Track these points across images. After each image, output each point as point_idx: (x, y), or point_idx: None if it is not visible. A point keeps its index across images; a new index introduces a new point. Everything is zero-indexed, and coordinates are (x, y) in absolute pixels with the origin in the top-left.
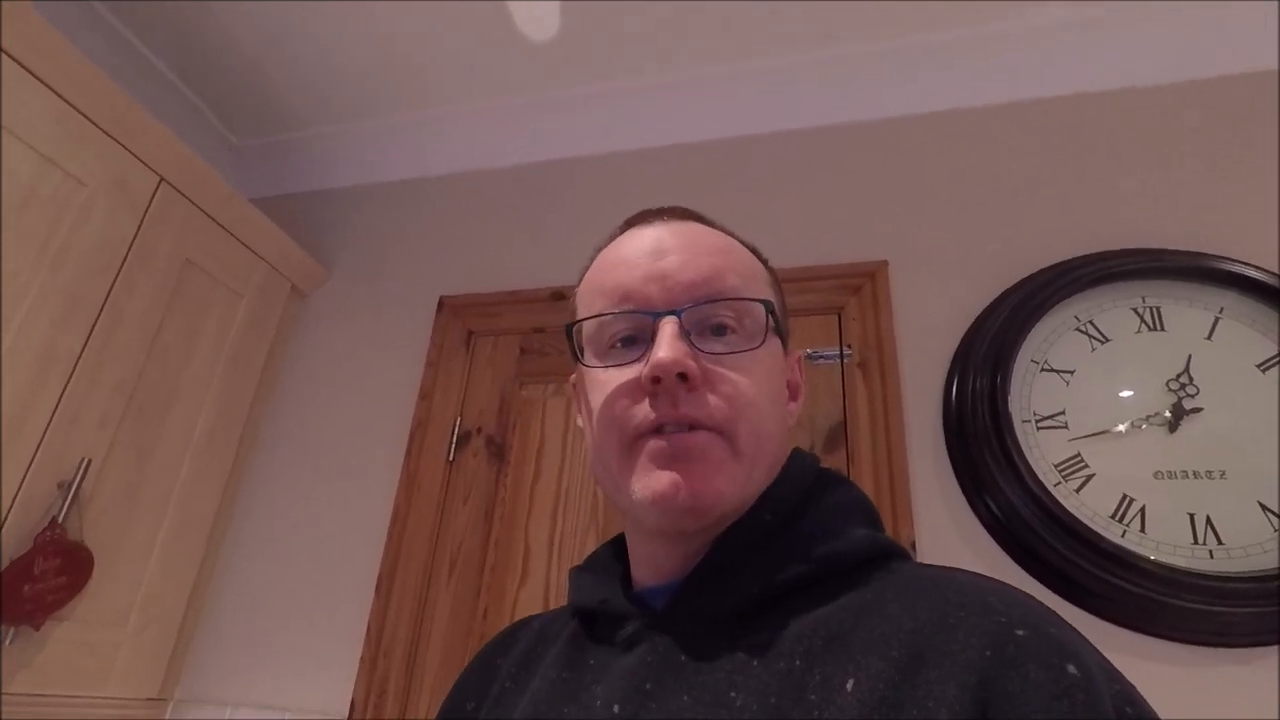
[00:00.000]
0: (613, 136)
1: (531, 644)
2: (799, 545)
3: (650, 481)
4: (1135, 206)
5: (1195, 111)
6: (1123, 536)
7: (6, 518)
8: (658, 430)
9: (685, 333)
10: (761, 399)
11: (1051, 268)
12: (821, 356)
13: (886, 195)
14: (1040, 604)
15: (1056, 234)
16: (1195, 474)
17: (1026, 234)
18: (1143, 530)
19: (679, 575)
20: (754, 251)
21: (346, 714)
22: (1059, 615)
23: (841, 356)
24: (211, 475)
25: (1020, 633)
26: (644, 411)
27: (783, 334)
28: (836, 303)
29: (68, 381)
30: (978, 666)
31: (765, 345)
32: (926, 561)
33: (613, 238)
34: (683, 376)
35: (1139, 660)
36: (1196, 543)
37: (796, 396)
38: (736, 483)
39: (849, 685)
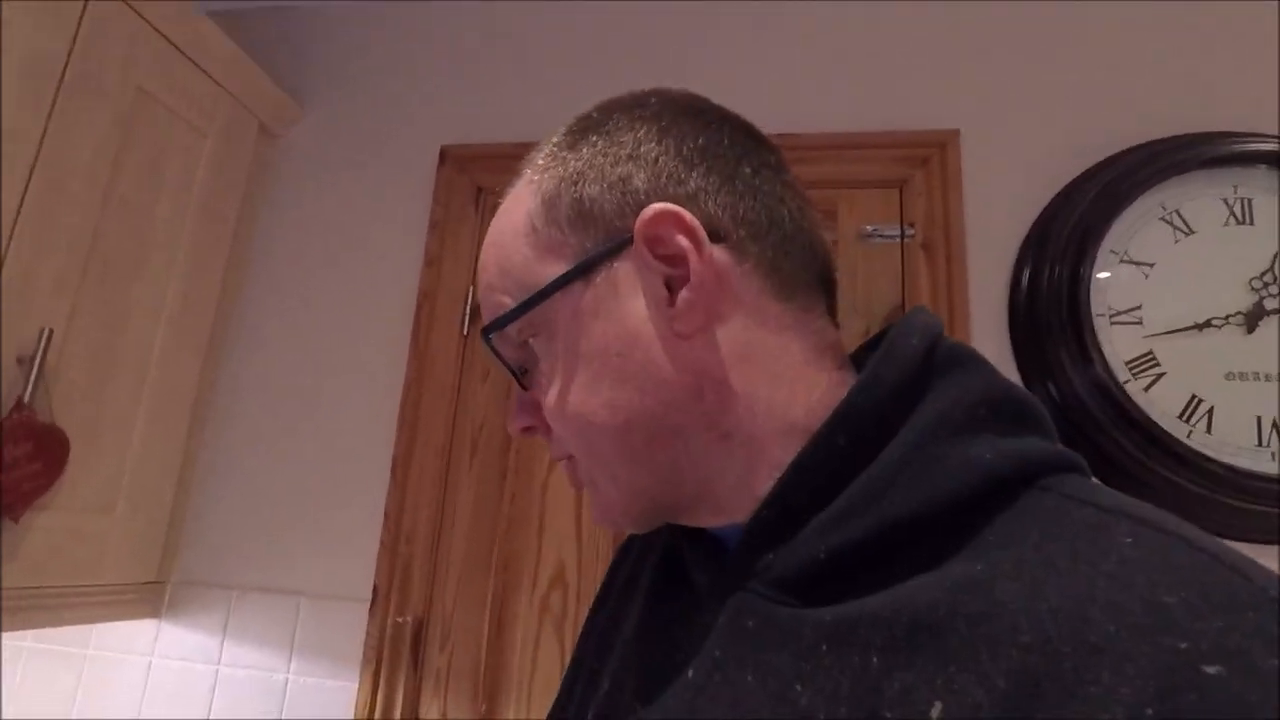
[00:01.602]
0: None
1: (640, 554)
2: (880, 483)
3: None
4: (1235, 85)
5: None
6: (1189, 436)
7: None
8: None
9: (519, 373)
10: (571, 397)
11: (1138, 148)
12: (880, 234)
13: (962, 56)
14: (1260, 590)
15: (1146, 110)
16: (1267, 376)
17: (1113, 108)
18: (1209, 431)
19: (746, 517)
20: (571, 146)
21: (370, 598)
22: None
23: (902, 235)
24: (189, 344)
25: (1211, 670)
26: None
27: (592, 259)
28: (899, 175)
29: (10, 237)
30: None
31: (549, 334)
32: None
33: None
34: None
35: None
36: (1260, 445)
37: (683, 276)
38: (619, 486)
39: (934, 712)
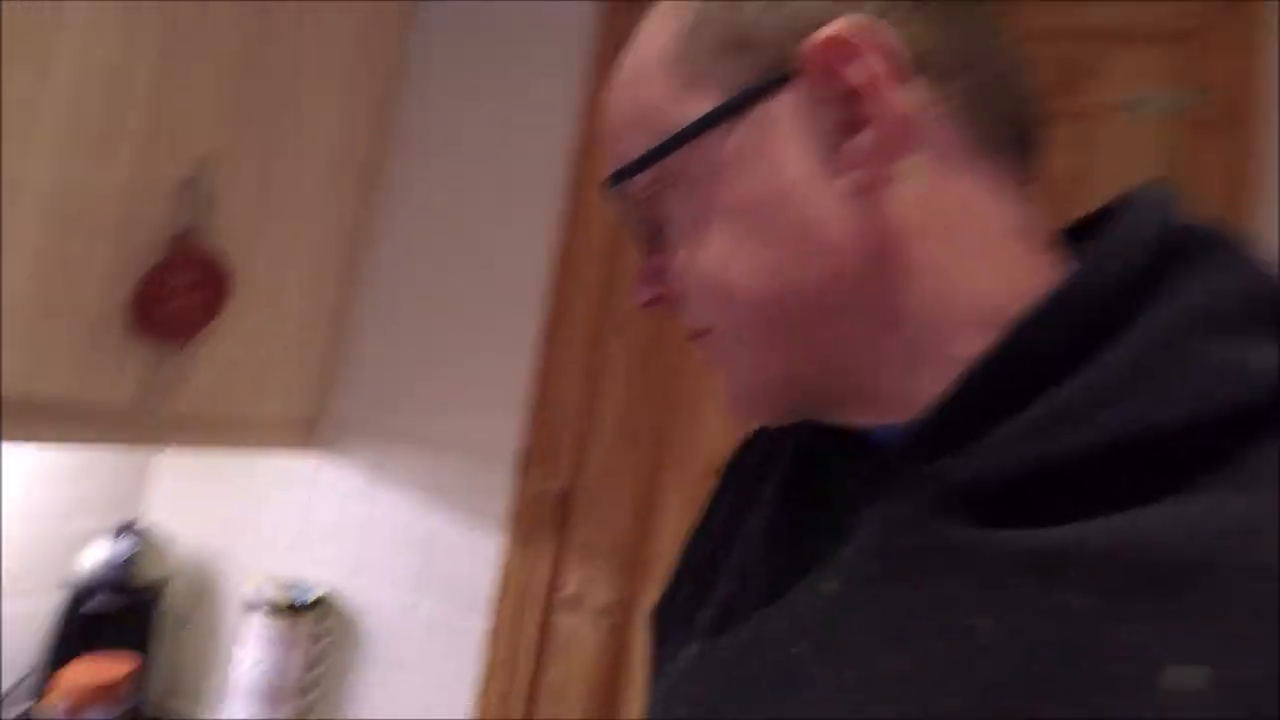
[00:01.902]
0: None
1: (767, 449)
2: (1106, 387)
3: None
4: None
5: None
6: None
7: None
8: None
9: (652, 232)
10: (709, 260)
11: None
12: (1153, 103)
13: None
14: None
15: None
16: None
17: None
18: None
19: (919, 413)
20: None
21: (516, 459)
22: None
23: (1181, 104)
24: (345, 182)
25: None
26: None
27: (746, 94)
28: (1184, 27)
29: (165, 52)
30: None
31: (687, 185)
32: None
33: None
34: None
35: None
36: None
37: (859, 118)
38: (757, 370)
39: (1192, 678)
